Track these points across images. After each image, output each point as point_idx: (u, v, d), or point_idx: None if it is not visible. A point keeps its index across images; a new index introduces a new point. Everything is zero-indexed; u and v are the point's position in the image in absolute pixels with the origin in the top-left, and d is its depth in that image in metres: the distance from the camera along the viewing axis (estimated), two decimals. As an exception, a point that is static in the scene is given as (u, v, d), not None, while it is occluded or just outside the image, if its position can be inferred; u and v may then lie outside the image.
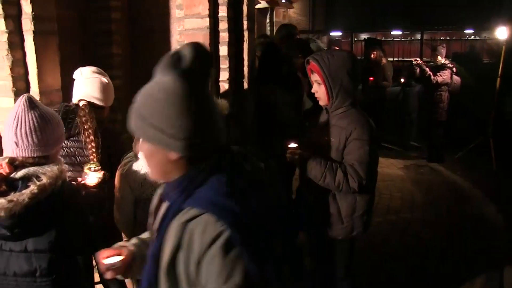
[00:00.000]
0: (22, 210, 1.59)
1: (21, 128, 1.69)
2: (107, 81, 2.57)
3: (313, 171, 2.46)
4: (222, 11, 3.02)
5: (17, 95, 2.63)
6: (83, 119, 2.39)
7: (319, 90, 2.54)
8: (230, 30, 3.06)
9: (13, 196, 1.59)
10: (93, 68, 2.58)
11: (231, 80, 3.10)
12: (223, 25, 3.04)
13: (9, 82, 2.60)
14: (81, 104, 2.48)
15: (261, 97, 3.39)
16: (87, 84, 2.50)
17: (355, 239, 2.75)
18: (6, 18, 2.52)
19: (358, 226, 2.61)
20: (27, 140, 1.69)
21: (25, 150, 1.70)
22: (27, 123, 1.69)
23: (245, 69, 3.15)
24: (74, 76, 2.58)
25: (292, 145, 2.56)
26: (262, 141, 3.43)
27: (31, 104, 1.73)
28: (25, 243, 1.72)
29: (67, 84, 2.68)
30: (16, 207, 1.58)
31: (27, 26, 2.60)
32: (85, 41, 3.31)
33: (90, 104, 2.48)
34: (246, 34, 3.15)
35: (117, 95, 3.10)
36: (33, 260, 1.73)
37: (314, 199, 2.64)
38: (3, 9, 2.51)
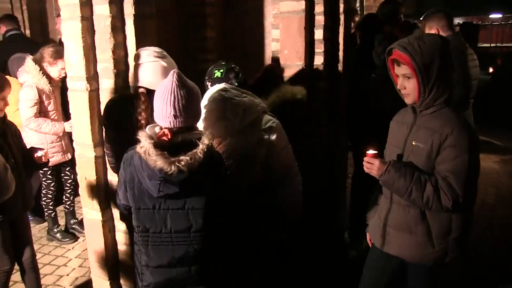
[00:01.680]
0: (195, 166, 1.81)
1: (178, 103, 1.86)
2: (166, 65, 2.36)
3: (396, 184, 2.09)
4: (318, -7, 2.92)
5: (117, 76, 2.72)
6: (139, 110, 2.31)
7: (409, 85, 2.12)
8: (326, 13, 2.95)
9: (190, 154, 1.82)
10: (151, 51, 2.40)
11: (325, 64, 3.00)
12: (319, 8, 2.94)
13: (110, 64, 2.70)
14: (139, 92, 2.34)
15: (357, 84, 3.26)
16: (146, 70, 2.32)
17: (447, 266, 2.25)
18: (110, 3, 2.60)
19: (453, 251, 2.17)
20: (184, 112, 1.87)
21: (182, 121, 1.88)
22: (183, 97, 1.87)
23: (340, 53, 3.03)
24: (133, 60, 2.49)
25: (371, 152, 2.17)
26: (353, 131, 3.31)
27: (182, 80, 1.90)
28: (183, 201, 1.92)
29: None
30: (195, 162, 1.81)
31: (128, 10, 2.66)
32: (180, 24, 3.35)
33: (150, 92, 2.23)
34: (342, 17, 3.03)
35: (210, 78, 3.13)
36: (190, 217, 1.93)
37: (398, 216, 2.24)
38: (108, -6, 2.59)
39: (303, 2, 2.87)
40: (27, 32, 6.42)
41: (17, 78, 4.14)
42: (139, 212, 1.96)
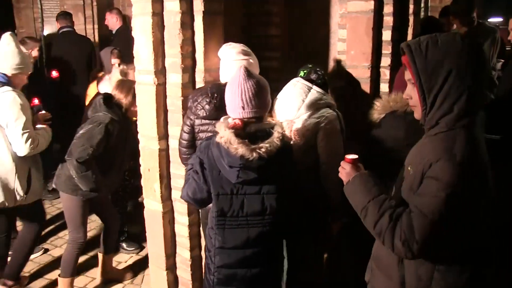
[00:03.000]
0: (273, 152, 1.94)
1: (245, 94, 2.01)
2: (253, 62, 2.56)
3: (355, 197, 1.71)
4: (388, -7, 2.85)
5: (184, 72, 2.78)
6: None
7: (412, 95, 1.64)
8: (395, 13, 2.88)
9: (268, 141, 1.95)
10: (239, 49, 2.55)
11: (392, 66, 2.92)
12: (388, 9, 2.87)
13: (178, 59, 2.76)
14: None
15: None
16: (235, 67, 2.39)
17: None
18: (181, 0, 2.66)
19: None
20: (251, 103, 2.02)
21: (249, 112, 2.03)
22: (249, 90, 2.01)
23: (408, 55, 2.94)
24: (220, 56, 2.61)
25: (350, 156, 1.84)
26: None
27: (248, 73, 2.04)
28: (259, 185, 2.05)
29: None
30: (273, 149, 1.94)
31: (198, 6, 2.71)
32: (245, 21, 3.38)
33: None
34: (411, 18, 2.94)
35: (273, 76, 3.13)
36: (265, 201, 2.06)
37: (381, 250, 1.78)
38: (180, -9, 2.65)
39: (372, 2, 2.83)
40: (95, 26, 6.69)
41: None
42: (218, 198, 2.07)
